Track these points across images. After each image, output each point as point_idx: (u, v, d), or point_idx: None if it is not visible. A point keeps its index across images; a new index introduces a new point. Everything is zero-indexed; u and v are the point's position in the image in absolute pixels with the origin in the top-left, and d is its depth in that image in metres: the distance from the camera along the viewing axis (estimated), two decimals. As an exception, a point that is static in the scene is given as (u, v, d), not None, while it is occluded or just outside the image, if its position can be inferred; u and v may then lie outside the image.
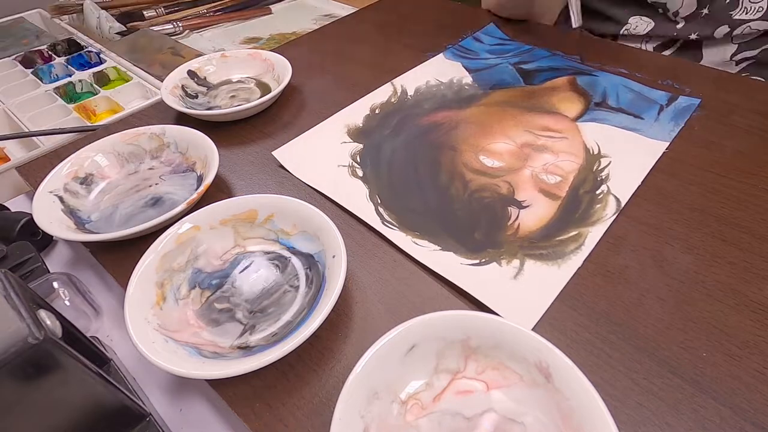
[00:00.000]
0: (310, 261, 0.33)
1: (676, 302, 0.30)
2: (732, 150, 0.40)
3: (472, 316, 0.26)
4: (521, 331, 0.25)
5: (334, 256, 0.31)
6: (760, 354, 0.27)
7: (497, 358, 0.26)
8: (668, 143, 0.41)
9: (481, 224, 0.35)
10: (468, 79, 0.52)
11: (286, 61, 0.52)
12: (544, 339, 0.24)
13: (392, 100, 0.50)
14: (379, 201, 0.38)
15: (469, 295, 0.31)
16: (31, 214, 0.37)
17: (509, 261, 0.33)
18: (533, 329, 0.29)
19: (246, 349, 0.29)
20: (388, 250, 0.35)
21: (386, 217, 0.37)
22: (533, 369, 0.25)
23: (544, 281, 0.31)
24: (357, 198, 0.38)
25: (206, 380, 0.28)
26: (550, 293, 0.31)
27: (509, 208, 0.36)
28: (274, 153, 0.43)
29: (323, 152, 0.43)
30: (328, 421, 0.23)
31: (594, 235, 0.34)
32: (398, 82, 0.52)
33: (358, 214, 0.37)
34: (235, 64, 0.55)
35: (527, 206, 0.36)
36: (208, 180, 0.38)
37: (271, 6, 0.79)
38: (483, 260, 0.33)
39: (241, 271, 0.34)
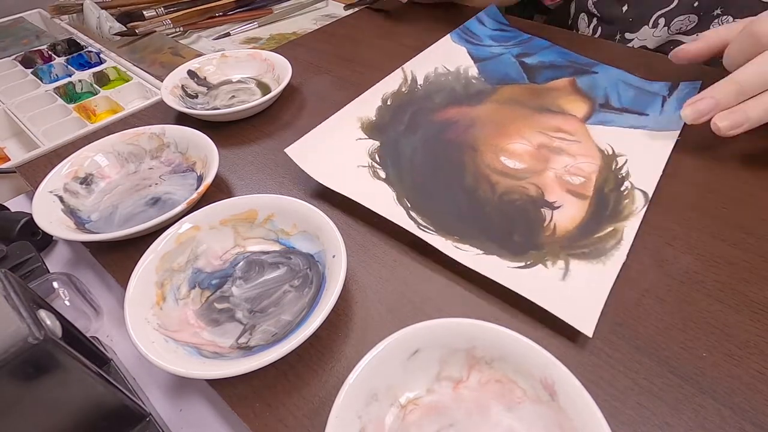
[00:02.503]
0: (310, 261, 0.33)
1: (676, 302, 0.30)
2: (732, 150, 0.40)
3: (479, 325, 0.25)
4: (528, 344, 0.24)
5: (334, 256, 0.31)
6: (760, 354, 0.27)
7: (502, 370, 0.25)
8: (679, 131, 0.41)
9: (518, 227, 0.35)
10: (474, 70, 0.52)
11: (286, 61, 0.52)
12: (551, 354, 0.24)
13: (403, 89, 0.50)
14: (409, 205, 0.37)
15: (470, 295, 0.31)
16: (31, 214, 0.37)
17: (554, 262, 0.32)
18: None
19: (246, 349, 0.29)
20: (388, 250, 0.35)
21: (420, 221, 0.35)
22: (538, 385, 0.24)
23: (592, 279, 0.31)
24: (385, 202, 0.37)
25: (206, 380, 0.28)
26: (601, 291, 0.30)
27: (542, 209, 0.36)
28: (286, 150, 0.41)
29: (339, 150, 0.42)
30: (327, 421, 0.23)
31: (630, 228, 0.34)
32: (408, 67, 0.53)
33: (390, 219, 0.35)
34: (235, 64, 0.55)
35: (558, 207, 0.36)
36: (208, 180, 0.38)
37: (272, 6, 0.79)
38: (528, 263, 0.32)
39: (240, 271, 0.34)
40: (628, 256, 0.33)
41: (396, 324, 0.26)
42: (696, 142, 0.41)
